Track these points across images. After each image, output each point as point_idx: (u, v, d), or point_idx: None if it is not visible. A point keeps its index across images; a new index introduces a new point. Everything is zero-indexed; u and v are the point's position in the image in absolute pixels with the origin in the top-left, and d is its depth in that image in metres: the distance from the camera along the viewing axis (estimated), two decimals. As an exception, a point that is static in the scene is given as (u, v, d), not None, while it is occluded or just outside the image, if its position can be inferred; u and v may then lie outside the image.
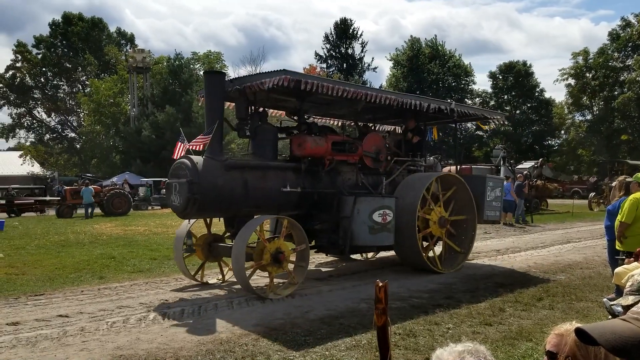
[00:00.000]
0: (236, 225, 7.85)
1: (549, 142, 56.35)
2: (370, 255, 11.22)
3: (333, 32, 58.10)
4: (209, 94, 7.85)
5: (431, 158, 26.97)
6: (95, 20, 55.65)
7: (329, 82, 7.98)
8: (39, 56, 52.97)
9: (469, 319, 6.24)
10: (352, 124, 11.98)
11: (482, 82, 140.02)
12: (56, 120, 56.53)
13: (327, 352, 5.08)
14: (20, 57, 52.40)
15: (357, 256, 10.75)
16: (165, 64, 46.94)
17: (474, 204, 9.87)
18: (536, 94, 54.85)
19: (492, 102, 54.92)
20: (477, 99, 56.11)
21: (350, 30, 57.99)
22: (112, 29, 57.70)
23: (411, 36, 56.04)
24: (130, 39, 58.32)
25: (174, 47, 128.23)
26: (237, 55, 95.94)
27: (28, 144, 52.68)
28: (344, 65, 57.30)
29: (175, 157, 7.95)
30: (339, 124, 12.24)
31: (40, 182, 43.70)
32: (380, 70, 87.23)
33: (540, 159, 29.04)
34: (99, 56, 52.47)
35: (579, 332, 1.37)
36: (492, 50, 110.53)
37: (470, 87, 56.16)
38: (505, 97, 55.55)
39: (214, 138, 7.63)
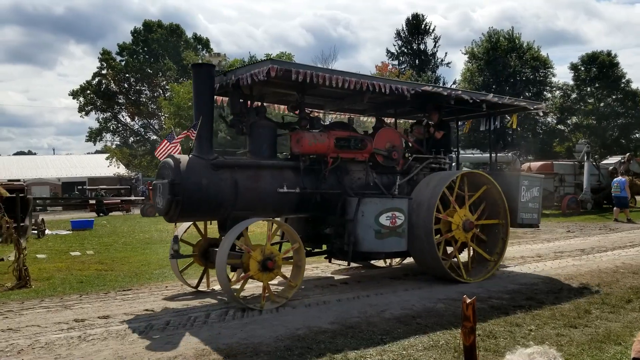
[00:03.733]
0: (228, 229, 7.10)
1: (637, 135, 53.10)
2: (396, 261, 10.31)
3: (405, 29, 57.54)
4: (197, 87, 7.38)
5: (509, 154, 26.27)
6: (173, 27, 57.75)
7: (323, 72, 7.27)
8: (123, 63, 55.62)
9: (552, 321, 6.01)
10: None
11: (561, 75, 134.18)
12: (139, 124, 59.15)
13: (404, 352, 5.05)
14: (105, 65, 55.22)
15: (380, 262, 9.97)
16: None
17: (505, 206, 8.83)
18: (622, 85, 51.86)
19: (573, 95, 52.49)
20: (558, 91, 53.80)
21: (422, 26, 57.22)
22: (189, 34, 59.67)
23: (490, 27, 54.33)
24: (206, 44, 60.09)
25: (244, 49, 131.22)
26: (306, 56, 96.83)
27: (114, 146, 55.39)
28: (416, 61, 56.62)
29: (157, 155, 7.53)
30: (360, 118, 11.34)
31: (125, 182, 46.05)
32: (452, 66, 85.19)
33: (628, 154, 27.39)
34: (178, 61, 54.39)
35: None
36: (570, 40, 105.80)
37: (549, 79, 53.90)
38: (588, 89, 52.87)
39: (201, 135, 7.14)
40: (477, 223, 8.58)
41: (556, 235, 15.26)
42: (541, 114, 11.47)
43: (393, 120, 10.74)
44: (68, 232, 19.14)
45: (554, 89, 54.09)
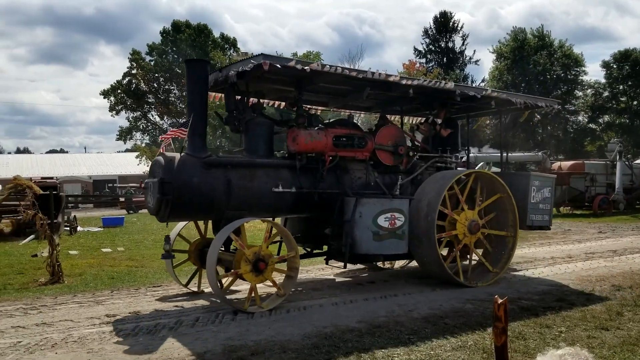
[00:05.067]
0: (222, 229, 6.91)
1: (672, 135, 51.80)
2: (401, 263, 9.95)
3: (432, 26, 57.11)
4: (190, 84, 7.14)
5: (539, 153, 25.86)
6: (201, 27, 58.31)
7: (318, 67, 6.98)
8: (152, 63, 56.37)
9: (583, 323, 5.91)
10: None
11: (592, 73, 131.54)
12: (168, 123, 59.90)
13: (432, 352, 5.02)
14: (135, 65, 56.03)
15: (387, 264, 9.84)
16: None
17: (516, 218, 8.43)
18: (656, 83, 50.57)
19: (605, 93, 51.37)
20: (589, 90, 52.74)
21: (451, 24, 56.72)
22: (216, 34, 60.17)
23: (514, 26, 53.64)
24: (233, 43, 60.51)
25: (270, 49, 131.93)
26: (333, 55, 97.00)
27: (143, 145, 56.22)
28: (444, 59, 56.16)
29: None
30: (360, 116, 11.22)
31: (154, 181, 46.58)
32: (480, 63, 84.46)
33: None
34: (206, 60, 54.97)
35: None
36: (601, 38, 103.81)
37: (580, 78, 52.88)
38: (621, 87, 51.68)
39: (194, 133, 6.96)
40: (483, 231, 8.19)
41: (587, 236, 14.99)
42: (553, 108, 10.76)
43: (398, 117, 10.57)
44: (99, 229, 19.51)
45: (586, 87, 53.07)
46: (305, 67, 6.83)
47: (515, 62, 51.15)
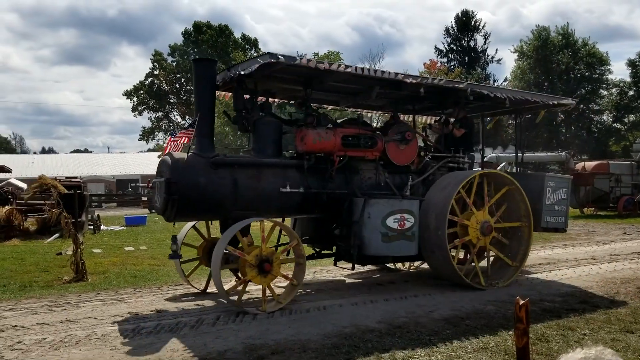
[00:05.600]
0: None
1: (699, 134, 50.75)
2: (416, 264, 9.86)
3: (454, 25, 56.75)
4: (198, 83, 7.14)
5: (563, 154, 25.51)
6: (222, 27, 58.74)
7: (324, 64, 6.84)
8: (174, 63, 56.95)
9: (608, 325, 5.82)
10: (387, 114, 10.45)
11: (617, 71, 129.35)
12: (190, 123, 60.61)
13: (453, 353, 4.99)
14: (157, 65, 56.68)
15: (399, 265, 9.77)
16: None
17: (528, 207, 8.22)
18: (683, 82, 49.58)
19: (631, 92, 50.52)
20: (614, 89, 51.88)
21: (472, 23, 56.29)
22: (236, 34, 60.52)
23: (537, 25, 52.95)
24: (254, 44, 60.83)
25: (291, 49, 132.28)
26: (353, 55, 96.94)
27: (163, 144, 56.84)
28: (466, 58, 55.74)
29: (164, 154, 7.30)
30: (371, 115, 10.92)
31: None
32: (502, 62, 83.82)
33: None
34: (227, 61, 55.27)
35: None
36: (625, 36, 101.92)
37: (605, 76, 52.04)
38: (647, 85, 50.78)
39: (202, 132, 6.97)
40: (496, 226, 8.04)
41: (612, 237, 14.75)
42: (570, 108, 10.49)
43: (411, 116, 10.39)
44: (122, 227, 19.77)
45: (610, 86, 52.23)
46: (311, 65, 6.72)
47: (538, 61, 50.57)
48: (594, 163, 24.23)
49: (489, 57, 57.13)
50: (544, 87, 50.12)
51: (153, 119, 58.98)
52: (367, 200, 7.33)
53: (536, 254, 11.56)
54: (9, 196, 20.86)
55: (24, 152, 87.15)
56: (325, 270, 9.59)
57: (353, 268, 7.87)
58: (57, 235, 15.51)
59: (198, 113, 7.02)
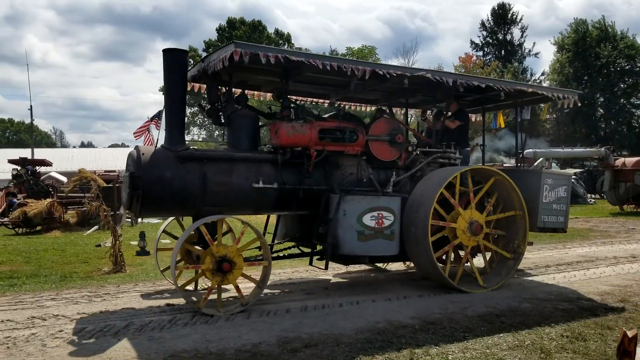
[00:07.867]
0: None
1: None
2: (407, 264, 9.37)
3: (490, 18, 55.86)
4: (167, 74, 6.73)
5: (602, 149, 24.91)
6: (256, 23, 59.04)
7: (297, 55, 6.55)
8: (209, 59, 57.56)
9: (649, 326, 5.68)
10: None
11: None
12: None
13: (487, 351, 4.95)
14: (192, 61, 57.33)
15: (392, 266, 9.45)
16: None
17: (519, 196, 7.69)
18: None
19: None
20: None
21: (509, 16, 55.30)
22: (270, 30, 60.69)
23: (575, 18, 51.75)
24: (287, 39, 60.95)
25: (323, 44, 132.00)
26: (385, 49, 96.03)
27: (200, 139, 57.59)
28: (502, 52, 54.83)
29: (135, 138, 7.20)
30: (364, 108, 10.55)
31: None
32: (539, 56, 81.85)
33: None
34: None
35: None
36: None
37: (646, 69, 50.45)
38: (690, 78, 49.07)
39: (171, 125, 6.72)
40: (489, 219, 7.60)
41: (653, 235, 14.36)
42: (573, 102, 9.80)
43: (401, 110, 10.14)
44: (159, 220, 20.08)
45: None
46: (279, 55, 6.39)
47: (577, 55, 49.37)
48: (634, 159, 23.54)
49: (526, 50, 56.14)
50: (583, 80, 48.92)
51: (188, 114, 59.71)
52: (342, 196, 6.95)
53: (574, 251, 11.34)
54: (50, 189, 21.49)
55: (64, 146, 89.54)
56: (358, 265, 9.58)
57: (326, 268, 7.31)
58: (96, 227, 15.90)
59: (170, 105, 6.80)
